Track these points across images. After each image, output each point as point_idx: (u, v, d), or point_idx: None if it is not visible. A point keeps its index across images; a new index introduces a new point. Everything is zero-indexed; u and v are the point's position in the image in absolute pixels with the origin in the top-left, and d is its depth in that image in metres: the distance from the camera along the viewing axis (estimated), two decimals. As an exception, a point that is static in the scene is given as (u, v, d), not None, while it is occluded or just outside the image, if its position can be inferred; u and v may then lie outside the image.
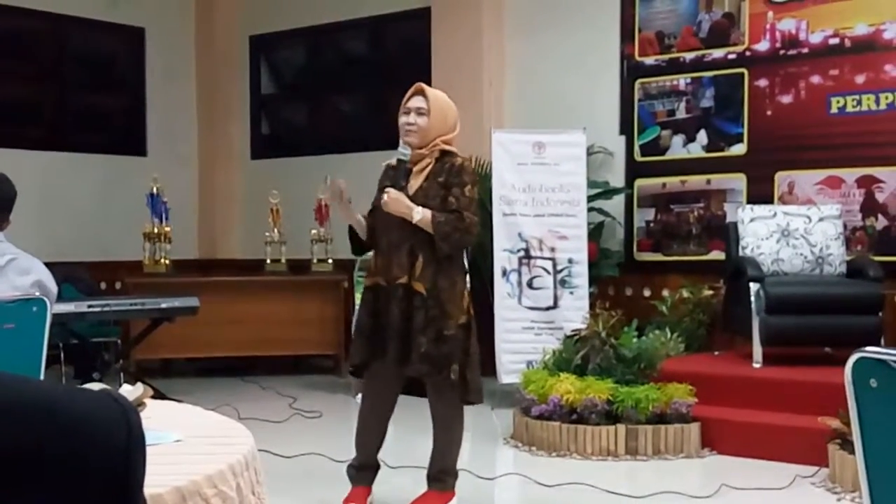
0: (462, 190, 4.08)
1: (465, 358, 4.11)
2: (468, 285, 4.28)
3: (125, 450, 0.89)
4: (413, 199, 4.05)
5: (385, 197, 4.03)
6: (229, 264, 9.52)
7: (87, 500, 0.87)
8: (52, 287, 3.15)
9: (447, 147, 4.16)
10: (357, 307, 4.31)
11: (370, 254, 4.37)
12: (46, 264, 3.22)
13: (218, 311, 7.52)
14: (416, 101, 4.13)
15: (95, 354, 7.04)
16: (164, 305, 6.76)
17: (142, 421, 0.93)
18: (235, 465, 1.90)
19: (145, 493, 0.97)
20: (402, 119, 4.14)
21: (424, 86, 4.19)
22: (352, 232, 4.28)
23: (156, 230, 8.24)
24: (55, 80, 9.22)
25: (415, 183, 4.11)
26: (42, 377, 2.84)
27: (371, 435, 4.32)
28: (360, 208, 4.29)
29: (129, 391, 2.26)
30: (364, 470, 4.35)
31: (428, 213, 4.03)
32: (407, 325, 4.04)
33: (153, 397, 2.45)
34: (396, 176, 4.11)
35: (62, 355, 6.92)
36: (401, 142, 4.14)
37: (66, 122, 9.32)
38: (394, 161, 4.19)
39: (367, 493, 4.35)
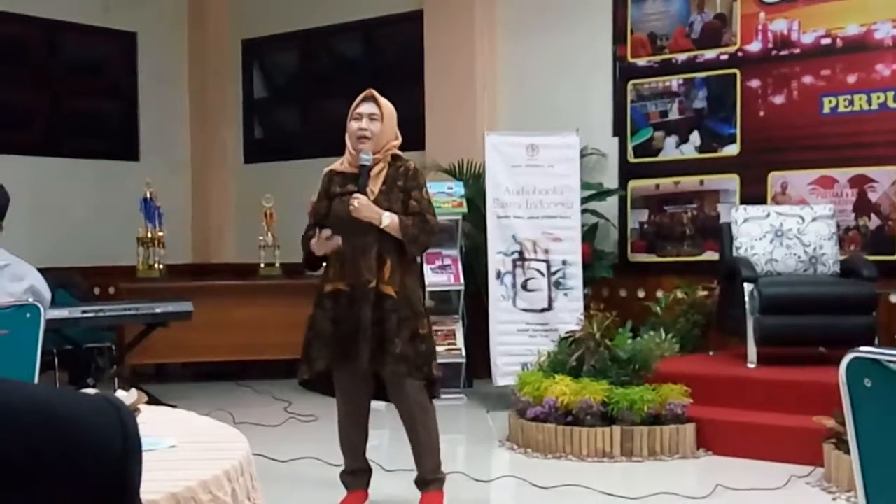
0: (421, 193, 4.19)
1: (435, 355, 4.26)
2: None
3: (121, 454, 0.89)
4: (375, 203, 4.11)
5: (355, 203, 4.06)
6: (223, 269, 9.51)
7: (82, 502, 0.87)
8: (46, 293, 3.14)
9: (397, 151, 4.24)
10: (312, 314, 4.26)
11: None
12: (40, 270, 3.21)
13: (212, 315, 7.50)
14: (369, 108, 4.18)
15: (89, 360, 7.02)
16: (158, 310, 6.74)
17: (138, 425, 0.93)
18: (231, 471, 1.90)
19: (141, 499, 0.97)
20: (355, 125, 4.17)
21: (375, 92, 4.24)
22: (308, 250, 4.24)
23: (149, 235, 8.22)
24: (48, 85, 9.20)
25: (374, 188, 4.16)
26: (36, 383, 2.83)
27: (354, 439, 4.34)
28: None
29: (124, 397, 2.25)
30: (357, 474, 4.35)
31: (395, 217, 4.09)
32: (380, 328, 4.08)
33: (147, 403, 2.44)
34: (358, 181, 4.14)
35: (56, 361, 6.89)
36: (351, 148, 4.19)
37: (58, 127, 9.30)
38: (338, 166, 4.27)
39: (363, 497, 4.35)
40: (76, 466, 0.86)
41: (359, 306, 4.08)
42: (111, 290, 8.71)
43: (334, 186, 4.23)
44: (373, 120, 4.15)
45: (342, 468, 4.40)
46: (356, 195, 4.08)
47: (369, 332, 4.05)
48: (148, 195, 8.23)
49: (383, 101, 4.22)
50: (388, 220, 4.07)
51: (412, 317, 4.12)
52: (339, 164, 4.29)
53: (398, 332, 4.07)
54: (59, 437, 0.86)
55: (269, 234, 8.50)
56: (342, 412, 4.33)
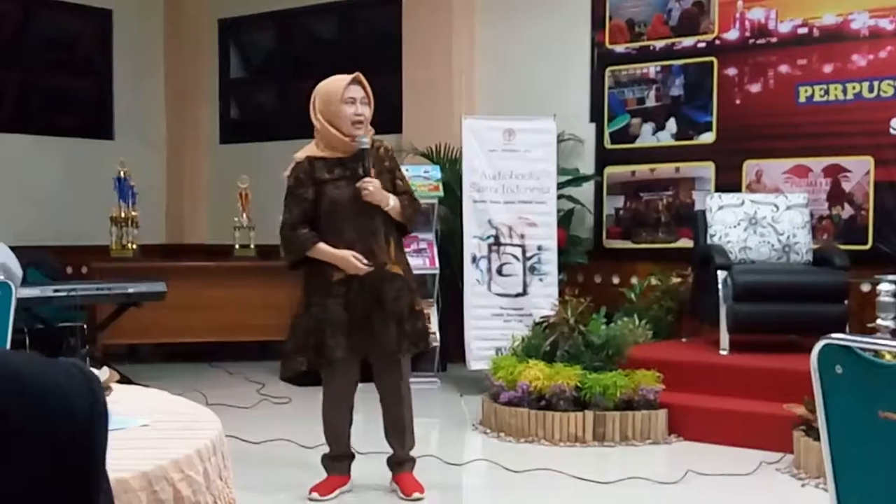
0: (402, 173, 4.31)
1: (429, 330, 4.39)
2: None
3: (89, 419, 0.89)
4: None
5: (370, 187, 4.07)
6: (197, 249, 9.46)
7: (50, 467, 0.86)
8: (17, 271, 3.12)
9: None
10: (308, 302, 4.21)
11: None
12: (11, 248, 3.19)
13: (185, 296, 7.47)
14: (359, 91, 4.17)
15: (61, 339, 6.97)
16: (130, 290, 6.70)
17: (104, 391, 0.92)
18: (203, 450, 1.89)
19: (111, 477, 0.96)
20: (349, 109, 4.13)
21: (362, 75, 4.23)
22: (301, 251, 4.15)
23: (123, 214, 8.17)
24: (20, 61, 9.09)
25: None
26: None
27: (343, 425, 4.31)
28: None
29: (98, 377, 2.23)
30: (340, 459, 4.34)
31: (396, 198, 4.14)
32: (397, 307, 4.14)
33: (119, 382, 2.43)
34: (362, 166, 4.11)
35: (27, 340, 6.85)
36: (344, 133, 4.14)
37: (31, 104, 9.20)
38: (318, 152, 4.18)
39: (344, 481, 4.34)
40: (45, 430, 0.86)
41: (372, 290, 4.10)
42: (84, 270, 8.65)
43: (320, 173, 4.16)
44: (364, 104, 4.15)
45: (326, 452, 4.37)
46: (368, 179, 4.09)
47: (392, 313, 4.12)
48: (122, 174, 8.16)
49: (366, 84, 4.21)
50: (393, 201, 4.13)
51: (413, 293, 4.24)
52: (316, 148, 4.21)
53: (408, 311, 4.18)
54: (29, 401, 0.86)
55: (244, 216, 8.46)
56: (335, 398, 4.27)
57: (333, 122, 4.14)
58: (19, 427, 0.84)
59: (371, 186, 4.07)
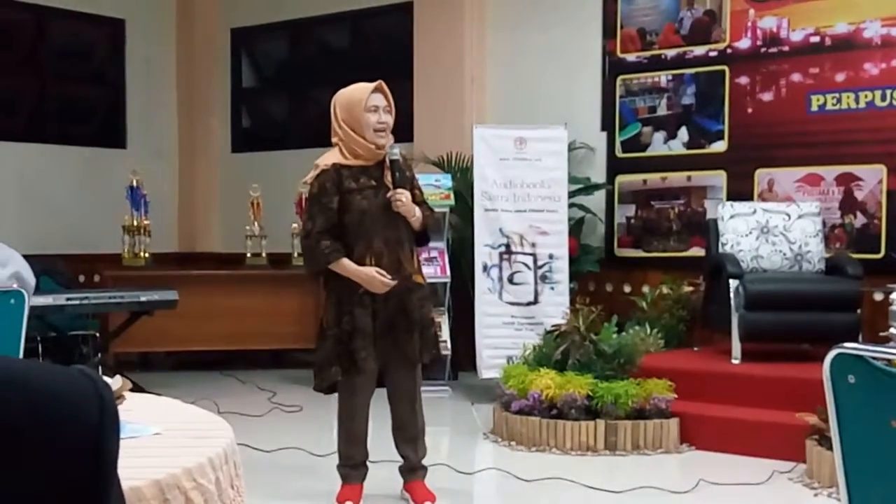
0: (418, 182, 4.32)
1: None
2: None
3: (98, 426, 0.88)
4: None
5: (403, 198, 4.07)
6: (209, 258, 9.49)
7: (60, 475, 0.86)
8: (31, 279, 3.12)
9: None
10: (338, 312, 4.14)
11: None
12: (24, 256, 3.19)
13: (197, 304, 7.48)
14: (382, 100, 4.14)
15: (73, 347, 7.00)
16: (143, 299, 6.72)
17: (114, 397, 0.92)
18: (214, 459, 1.89)
19: (124, 485, 0.96)
20: (373, 118, 4.09)
21: (384, 84, 4.20)
22: (325, 264, 4.10)
23: (135, 223, 8.19)
24: (34, 71, 9.14)
25: (391, 180, 4.12)
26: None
27: (366, 432, 4.30)
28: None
29: (108, 383, 2.24)
30: (359, 468, 4.32)
31: (419, 209, 4.15)
32: (422, 317, 4.18)
33: (132, 390, 2.43)
34: (393, 176, 4.10)
35: (40, 348, 6.88)
36: (368, 141, 4.10)
37: (45, 113, 9.25)
38: (342, 160, 4.11)
39: (362, 490, 4.33)
40: (53, 438, 0.86)
41: (398, 301, 4.09)
42: (96, 278, 8.68)
43: (347, 182, 4.10)
44: (386, 112, 4.13)
45: (345, 461, 4.31)
46: (400, 191, 4.08)
47: (419, 323, 4.15)
48: (134, 183, 8.19)
49: (388, 92, 4.18)
50: (418, 212, 4.14)
51: (430, 302, 4.32)
52: (341, 156, 4.14)
53: (429, 320, 4.24)
54: (36, 409, 0.86)
55: (256, 224, 8.49)
56: (359, 407, 4.23)
57: (356, 129, 4.09)
58: (25, 434, 0.84)
59: (404, 197, 4.06)
